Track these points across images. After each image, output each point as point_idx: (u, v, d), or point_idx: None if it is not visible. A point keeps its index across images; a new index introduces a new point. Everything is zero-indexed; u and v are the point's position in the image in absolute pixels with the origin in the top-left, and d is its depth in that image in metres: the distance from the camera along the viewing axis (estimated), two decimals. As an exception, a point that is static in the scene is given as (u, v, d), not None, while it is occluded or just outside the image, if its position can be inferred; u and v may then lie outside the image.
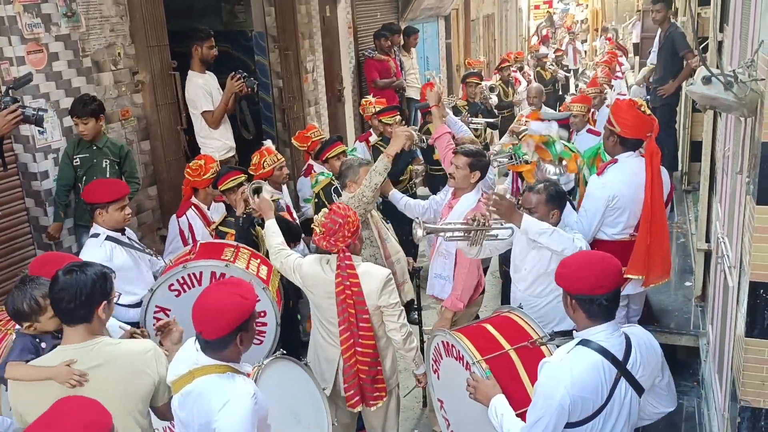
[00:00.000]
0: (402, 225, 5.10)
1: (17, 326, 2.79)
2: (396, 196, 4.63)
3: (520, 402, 2.68)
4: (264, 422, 2.49)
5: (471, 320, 3.93)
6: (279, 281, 4.03)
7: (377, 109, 6.34)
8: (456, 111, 7.40)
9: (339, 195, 4.41)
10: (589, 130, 6.11)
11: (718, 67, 4.32)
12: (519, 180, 4.87)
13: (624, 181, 3.98)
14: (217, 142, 5.76)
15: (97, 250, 3.68)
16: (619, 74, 11.12)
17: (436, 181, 6.79)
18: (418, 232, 3.52)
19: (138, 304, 3.79)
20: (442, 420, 3.37)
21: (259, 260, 4.03)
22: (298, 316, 4.77)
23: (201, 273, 3.77)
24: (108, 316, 2.57)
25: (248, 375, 2.54)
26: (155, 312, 3.74)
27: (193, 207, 4.68)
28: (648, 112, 4.02)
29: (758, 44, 2.82)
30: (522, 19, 19.98)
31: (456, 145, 4.47)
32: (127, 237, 3.92)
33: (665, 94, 7.28)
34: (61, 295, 2.42)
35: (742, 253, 3.12)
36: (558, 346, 2.65)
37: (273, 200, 4.57)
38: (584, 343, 2.44)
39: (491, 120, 7.66)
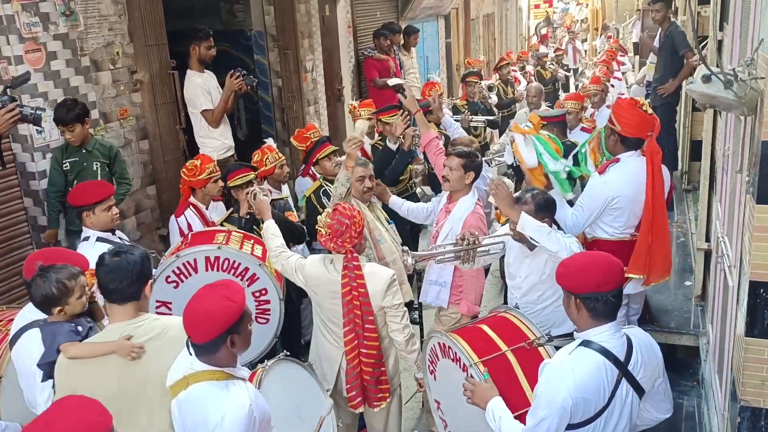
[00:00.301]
0: (403, 225, 5.08)
1: (44, 316, 2.80)
2: (397, 202, 4.57)
3: (517, 404, 2.66)
4: (266, 427, 2.48)
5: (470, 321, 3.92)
6: None
7: (363, 113, 6.11)
8: (456, 110, 7.40)
9: (329, 198, 4.36)
10: (582, 128, 6.11)
11: (717, 66, 4.30)
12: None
13: (626, 181, 3.98)
14: (216, 142, 5.74)
15: (89, 252, 3.62)
16: (619, 75, 11.07)
17: (438, 179, 6.74)
18: (408, 260, 3.51)
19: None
20: (440, 421, 3.36)
21: (252, 241, 4.02)
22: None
23: (195, 260, 3.75)
24: (150, 294, 2.70)
25: (249, 379, 2.53)
26: (156, 307, 3.74)
27: (191, 206, 4.65)
28: (649, 111, 4.01)
29: (758, 43, 2.82)
30: (522, 18, 20.00)
31: (452, 146, 4.44)
32: (118, 237, 3.90)
33: (665, 93, 7.27)
34: (113, 275, 2.54)
35: (742, 253, 3.11)
36: (556, 347, 2.63)
37: (278, 200, 4.55)
38: (586, 344, 2.42)
39: (491, 117, 7.65)
